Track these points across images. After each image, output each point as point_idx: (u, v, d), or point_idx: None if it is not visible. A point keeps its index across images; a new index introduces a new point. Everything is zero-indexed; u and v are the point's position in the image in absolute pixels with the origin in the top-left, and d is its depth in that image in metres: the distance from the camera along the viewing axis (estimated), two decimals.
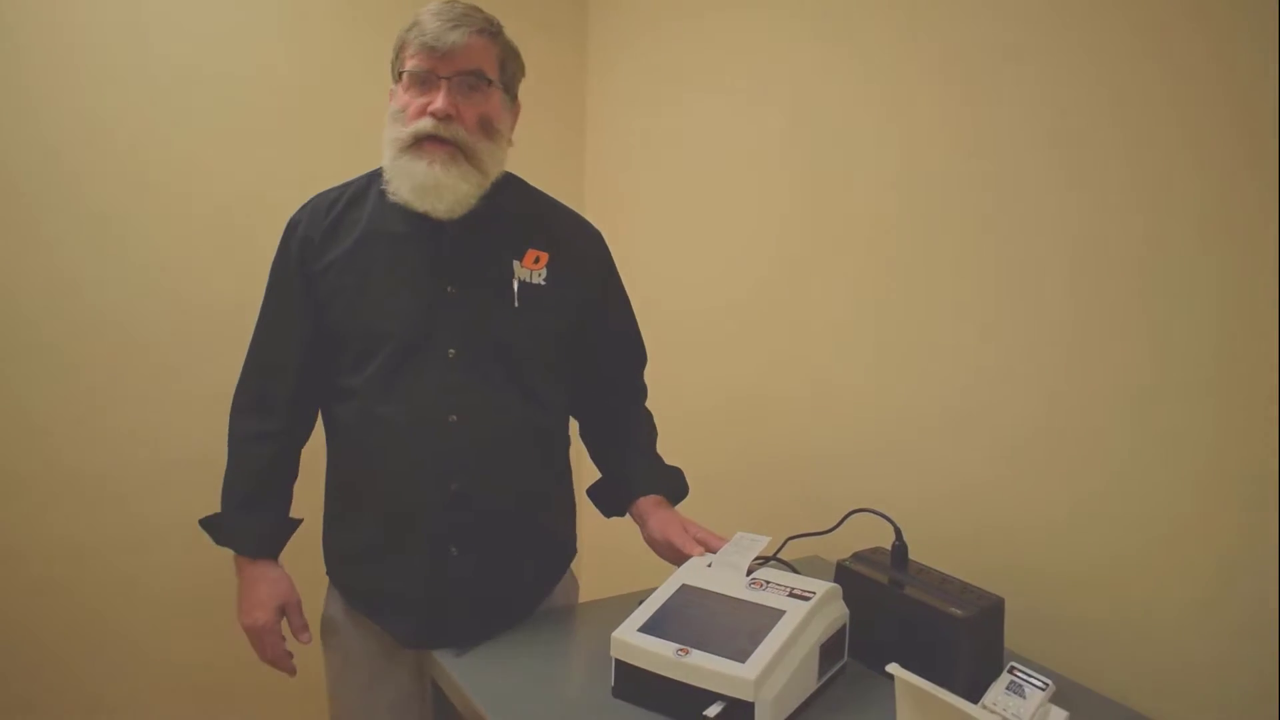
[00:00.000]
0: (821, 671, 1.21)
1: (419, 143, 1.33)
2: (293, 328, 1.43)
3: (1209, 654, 1.16)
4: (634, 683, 1.18)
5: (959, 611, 1.19)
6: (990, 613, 1.21)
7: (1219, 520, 1.17)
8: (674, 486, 1.55)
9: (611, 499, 1.57)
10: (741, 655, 1.13)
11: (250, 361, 1.49)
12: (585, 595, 1.65)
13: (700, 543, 1.39)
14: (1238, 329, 1.15)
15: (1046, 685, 1.14)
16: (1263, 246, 1.12)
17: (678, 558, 1.40)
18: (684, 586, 1.27)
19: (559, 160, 2.54)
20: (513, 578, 1.43)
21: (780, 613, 1.19)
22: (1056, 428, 1.34)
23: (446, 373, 1.36)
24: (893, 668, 0.93)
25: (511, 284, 1.39)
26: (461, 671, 1.27)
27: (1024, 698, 1.14)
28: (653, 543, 1.46)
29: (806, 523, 1.49)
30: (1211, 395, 1.17)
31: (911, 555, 1.33)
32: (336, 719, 1.50)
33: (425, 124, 1.32)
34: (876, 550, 1.37)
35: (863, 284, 1.68)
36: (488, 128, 1.36)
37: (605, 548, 2.52)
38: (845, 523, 1.39)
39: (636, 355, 1.63)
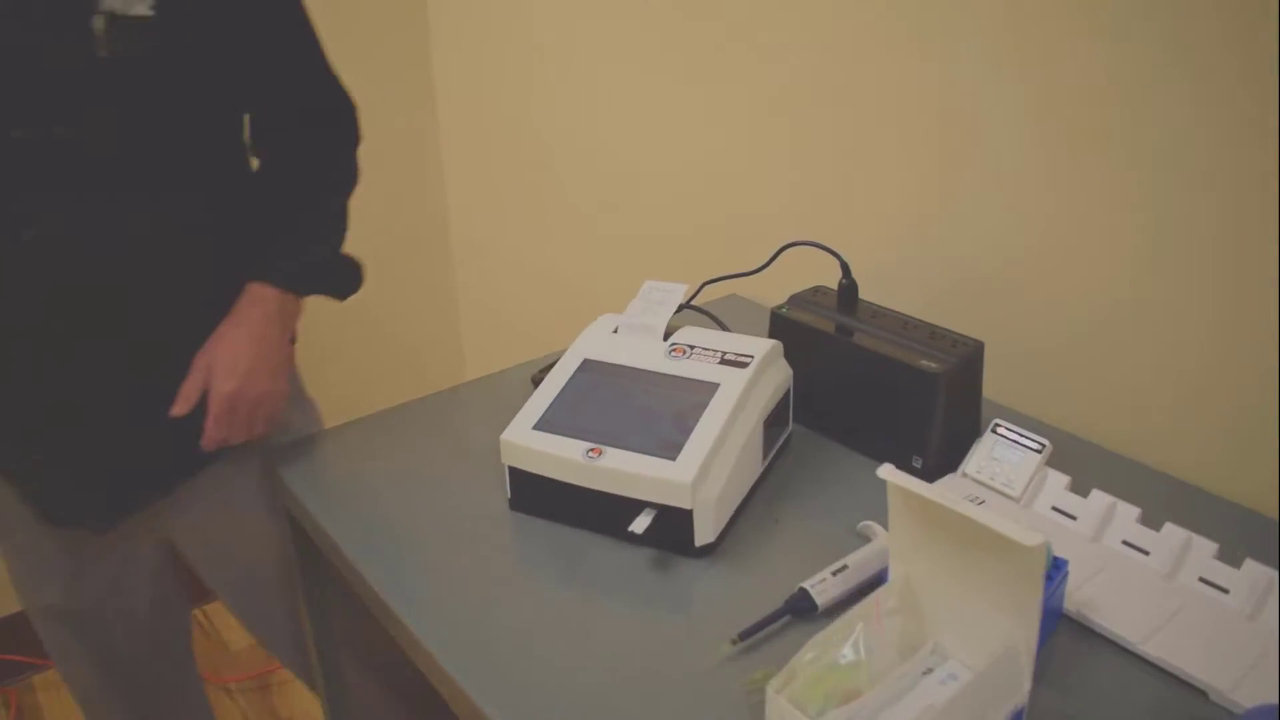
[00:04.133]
0: (766, 450, 0.98)
1: None
2: None
3: (1227, 401, 0.97)
4: (535, 493, 0.93)
5: (933, 364, 0.95)
6: (969, 363, 0.97)
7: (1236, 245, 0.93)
8: (299, 272, 1.08)
9: None
10: (670, 450, 0.87)
11: None
12: (471, 371, 1.36)
13: (196, 400, 1.01)
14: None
15: (1042, 446, 0.94)
16: None
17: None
18: (586, 362, 0.99)
19: None
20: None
21: (713, 386, 0.93)
22: (1044, 129, 1.05)
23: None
24: (886, 471, 0.69)
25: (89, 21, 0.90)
26: (303, 482, 0.99)
27: (1015, 463, 0.94)
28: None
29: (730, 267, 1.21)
30: None
31: (862, 295, 1.08)
32: None
33: None
34: (817, 291, 1.11)
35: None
36: None
37: (487, 313, 2.22)
38: (777, 264, 1.11)
39: (312, 84, 1.13)
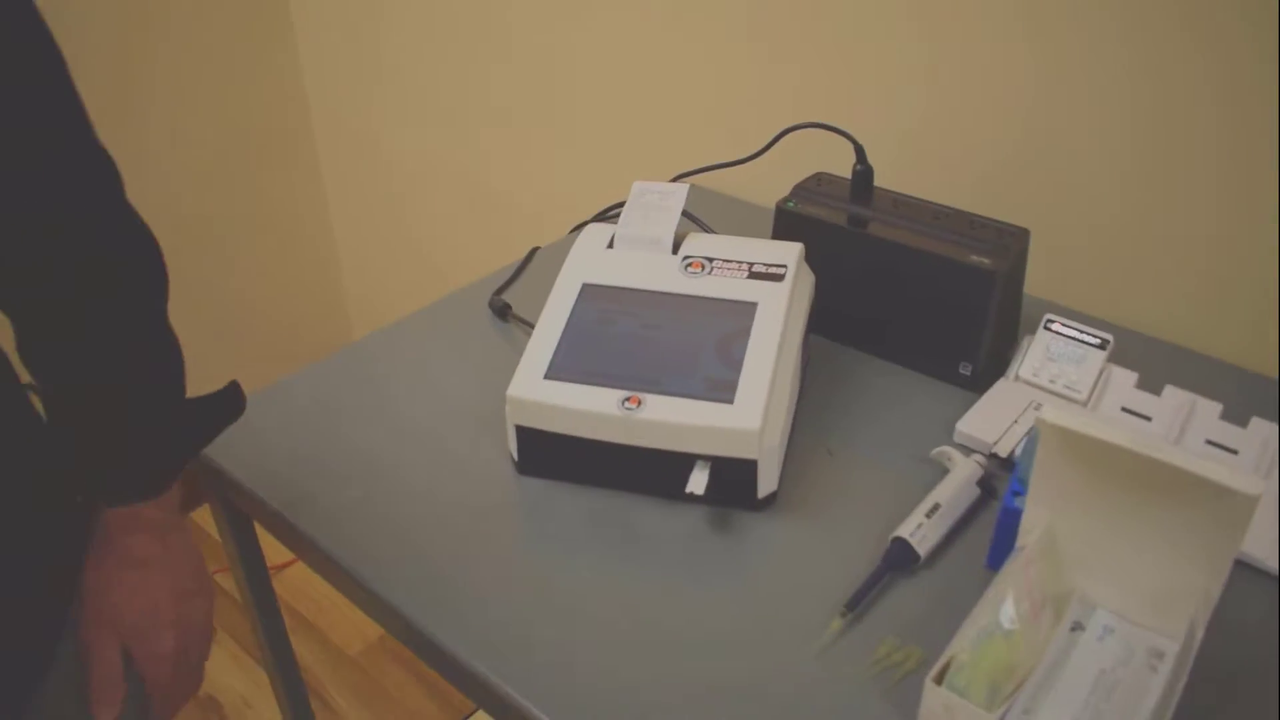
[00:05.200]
0: (802, 372, 0.85)
1: None
2: None
3: None
4: (552, 453, 0.77)
5: (985, 259, 0.84)
6: (1020, 255, 0.87)
7: None
8: (154, 471, 0.66)
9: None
10: (722, 390, 0.73)
11: None
12: (359, 328, 1.15)
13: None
14: None
15: (1105, 341, 0.85)
16: None
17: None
18: (587, 289, 0.82)
19: None
20: None
21: (749, 307, 0.79)
22: None
23: None
24: (1049, 413, 0.58)
25: None
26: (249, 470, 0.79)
27: (1075, 361, 0.85)
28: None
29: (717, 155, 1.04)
30: None
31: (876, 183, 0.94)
32: None
33: None
34: (821, 180, 0.97)
35: None
36: None
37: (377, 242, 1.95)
38: (775, 151, 0.96)
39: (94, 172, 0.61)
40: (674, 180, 1.06)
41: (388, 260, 1.90)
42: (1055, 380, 0.85)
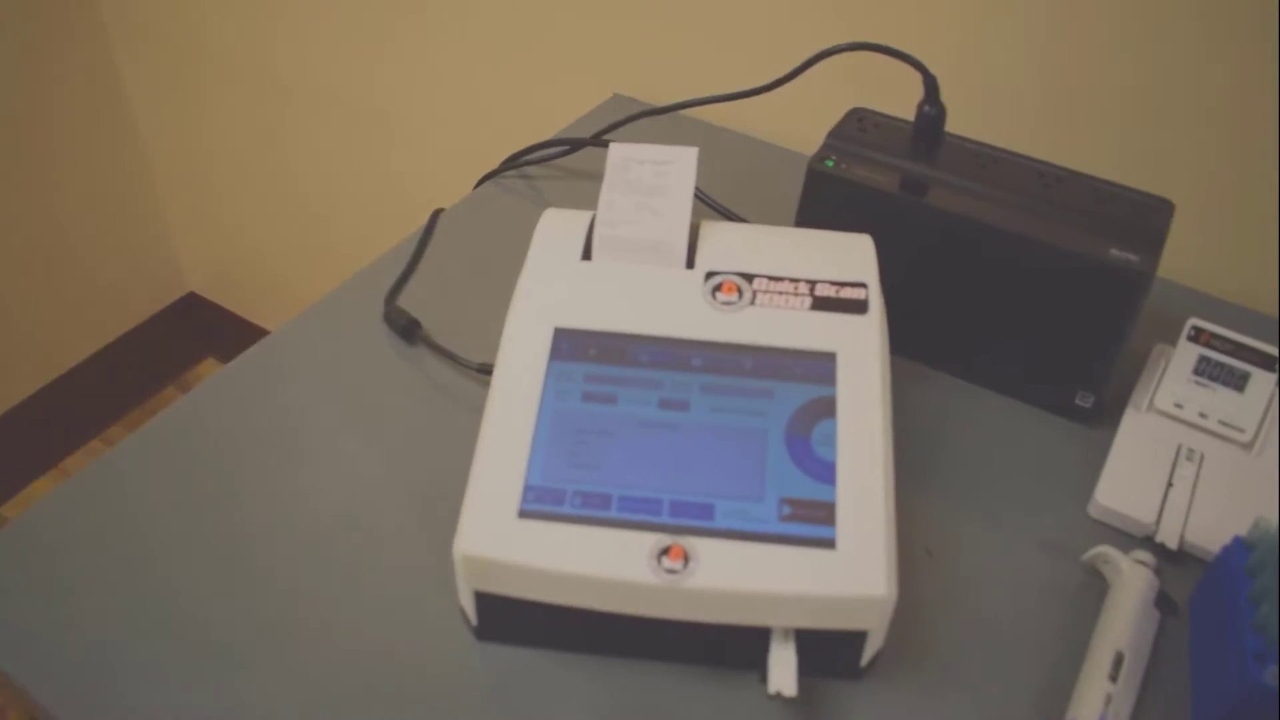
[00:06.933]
0: None
1: None
2: None
3: None
4: (533, 621, 0.48)
5: (1128, 253, 0.58)
6: (1162, 240, 0.61)
7: None
8: None
9: None
10: (814, 520, 0.46)
11: None
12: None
13: None
14: None
15: (1276, 361, 0.61)
16: None
17: None
18: (563, 338, 0.52)
19: None
20: None
21: (827, 362, 0.51)
22: None
23: None
24: None
25: None
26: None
27: (1240, 390, 0.61)
28: None
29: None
30: None
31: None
32: None
33: None
34: (864, 120, 0.67)
35: None
36: None
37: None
38: (802, 80, 0.66)
39: None
40: (653, 113, 0.75)
41: (231, 198, 1.49)
42: (1208, 414, 0.61)
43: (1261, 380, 0.61)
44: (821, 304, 0.52)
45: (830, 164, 0.64)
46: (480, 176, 0.81)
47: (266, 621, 0.50)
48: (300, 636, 0.50)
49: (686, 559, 0.44)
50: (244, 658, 0.49)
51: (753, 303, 0.53)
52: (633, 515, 0.45)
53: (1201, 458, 0.60)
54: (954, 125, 0.79)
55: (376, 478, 0.58)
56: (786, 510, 0.46)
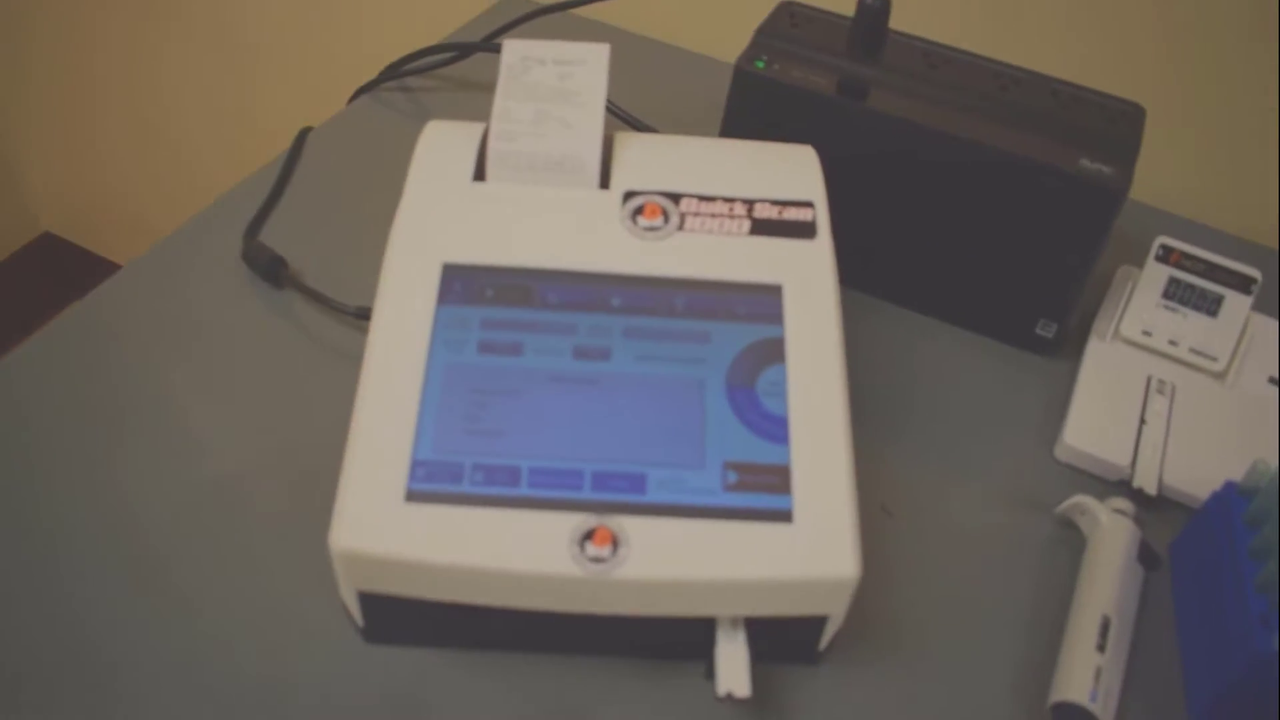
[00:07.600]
0: None
1: None
2: None
3: None
4: (427, 619, 0.40)
5: (1100, 164, 0.51)
6: (1134, 152, 0.54)
7: None
8: None
9: None
10: (765, 487, 0.38)
11: None
12: None
13: None
14: None
15: (1251, 282, 0.56)
16: None
17: None
18: (452, 275, 0.42)
19: None
20: None
21: (772, 295, 0.43)
22: None
23: None
24: None
25: None
26: None
27: (1213, 314, 0.56)
28: None
29: None
30: None
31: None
32: None
33: None
34: (795, 14, 0.58)
35: None
36: None
37: None
38: None
39: None
40: (548, 11, 0.65)
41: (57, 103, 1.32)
42: (1179, 342, 0.55)
43: (1235, 303, 0.55)
44: (762, 227, 0.44)
45: (760, 65, 0.55)
46: (354, 90, 0.70)
47: (114, 624, 0.41)
48: (150, 641, 0.40)
49: (615, 544, 0.36)
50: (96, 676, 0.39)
51: (680, 228, 0.44)
52: (547, 492, 0.37)
53: (1174, 390, 0.54)
54: (898, 21, 0.71)
55: (239, 449, 0.48)
56: (732, 478, 0.38)
